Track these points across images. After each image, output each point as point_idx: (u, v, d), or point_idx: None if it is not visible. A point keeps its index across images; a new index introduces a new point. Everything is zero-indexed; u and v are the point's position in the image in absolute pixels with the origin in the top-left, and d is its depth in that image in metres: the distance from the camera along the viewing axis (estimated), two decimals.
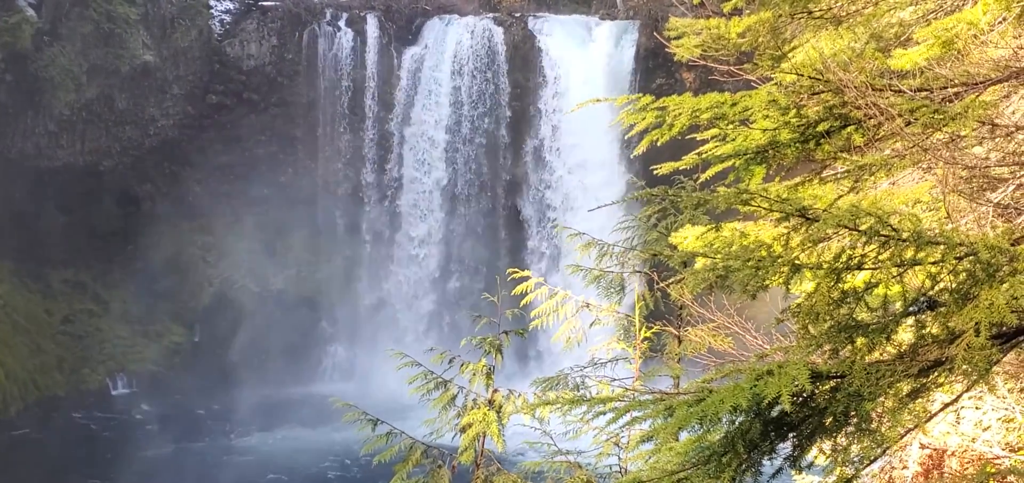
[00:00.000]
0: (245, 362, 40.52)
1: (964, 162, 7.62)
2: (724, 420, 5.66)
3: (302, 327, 41.48)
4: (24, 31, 36.13)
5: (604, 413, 6.39)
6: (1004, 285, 5.56)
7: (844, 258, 5.98)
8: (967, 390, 6.52)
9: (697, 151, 8.93)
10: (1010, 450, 10.20)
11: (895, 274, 5.89)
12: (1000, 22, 7.64)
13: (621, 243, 12.55)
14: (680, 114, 8.34)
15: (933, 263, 5.76)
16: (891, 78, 7.65)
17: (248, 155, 41.22)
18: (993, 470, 9.98)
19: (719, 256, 6.95)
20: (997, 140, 7.91)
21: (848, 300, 6.16)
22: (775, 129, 8.00)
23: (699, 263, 7.78)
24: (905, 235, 5.73)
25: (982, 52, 7.76)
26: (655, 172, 9.90)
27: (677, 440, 6.04)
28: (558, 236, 36.16)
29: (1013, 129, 7.77)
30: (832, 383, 5.80)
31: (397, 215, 41.36)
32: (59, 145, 38.66)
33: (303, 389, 39.51)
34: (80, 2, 37.38)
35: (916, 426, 6.16)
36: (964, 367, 5.67)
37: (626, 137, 10.25)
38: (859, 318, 6.20)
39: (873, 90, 7.25)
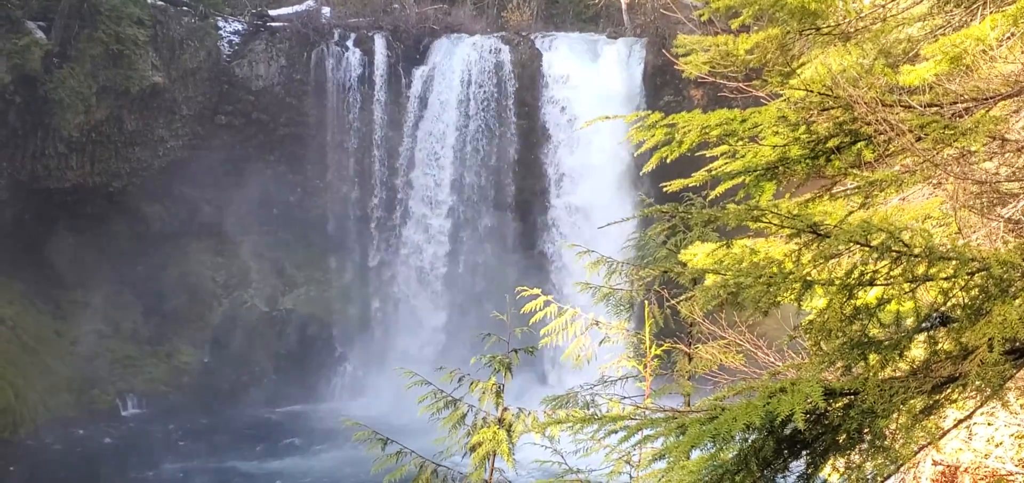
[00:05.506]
0: (255, 381, 40.51)
1: (974, 177, 7.61)
2: (737, 438, 5.64)
3: (312, 346, 41.46)
4: (33, 53, 36.29)
5: (616, 431, 6.37)
6: (1017, 301, 5.54)
7: (856, 274, 5.97)
8: (980, 406, 6.50)
9: (707, 168, 8.94)
10: (1023, 466, 10.15)
11: (907, 290, 5.88)
12: (1008, 37, 7.64)
13: (630, 260, 12.55)
14: (689, 131, 8.35)
15: (945, 279, 5.74)
16: (900, 94, 7.65)
17: (257, 175, 41.26)
18: None
19: (730, 273, 6.94)
20: (1007, 155, 7.91)
21: (860, 316, 6.14)
22: (785, 145, 8.00)
23: (709, 280, 7.77)
24: (917, 251, 5.72)
25: (990, 67, 7.76)
26: (664, 189, 9.90)
27: (689, 458, 6.02)
28: (567, 253, 36.03)
29: (1023, 144, 7.76)
30: (845, 400, 5.79)
31: (405, 233, 41.35)
32: (69, 166, 38.74)
33: (313, 408, 39.45)
34: (89, 24, 37.53)
35: (930, 443, 6.13)
36: (977, 383, 5.65)
37: (635, 154, 10.24)
38: (872, 334, 6.19)
39: (883, 106, 7.25)
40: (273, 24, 41.96)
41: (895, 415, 5.77)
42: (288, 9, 42.86)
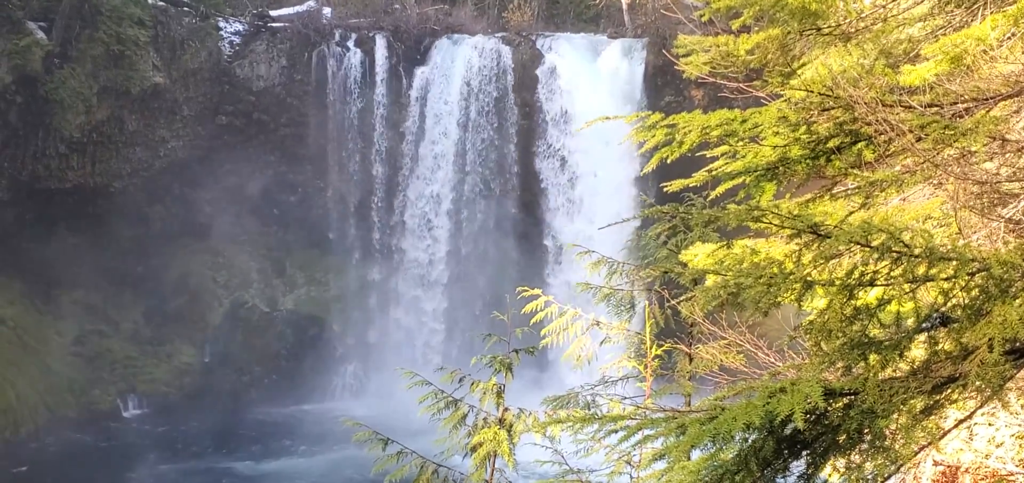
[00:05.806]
0: (255, 382, 40.52)
1: (975, 178, 7.61)
2: (737, 438, 5.64)
3: (312, 347, 41.48)
4: (34, 53, 36.32)
5: (616, 431, 6.37)
6: (1017, 301, 5.54)
7: (856, 274, 5.97)
8: (980, 406, 6.50)
9: (707, 168, 8.93)
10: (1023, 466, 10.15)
11: (908, 290, 5.88)
12: (1008, 37, 7.62)
13: (631, 261, 12.55)
14: (690, 131, 8.36)
15: (946, 279, 5.74)
16: (901, 94, 7.64)
17: (258, 175, 41.28)
18: None
19: (730, 273, 6.94)
20: (1007, 156, 7.89)
21: (861, 317, 6.14)
22: (785, 146, 8.00)
23: (710, 280, 7.77)
24: (917, 251, 5.72)
25: (991, 68, 7.75)
26: (665, 189, 9.90)
27: (689, 459, 6.02)
28: (567, 253, 35.84)
29: (1023, 144, 7.76)
30: (845, 400, 5.78)
31: (406, 233, 41.33)
32: (69, 166, 38.76)
33: (314, 409, 39.45)
34: (90, 24, 37.55)
35: (930, 443, 6.13)
36: (977, 383, 5.65)
37: (636, 154, 10.25)
38: (872, 335, 6.19)
39: (883, 106, 7.24)
40: (274, 25, 41.97)
41: (895, 415, 5.76)
42: (289, 9, 42.87)
